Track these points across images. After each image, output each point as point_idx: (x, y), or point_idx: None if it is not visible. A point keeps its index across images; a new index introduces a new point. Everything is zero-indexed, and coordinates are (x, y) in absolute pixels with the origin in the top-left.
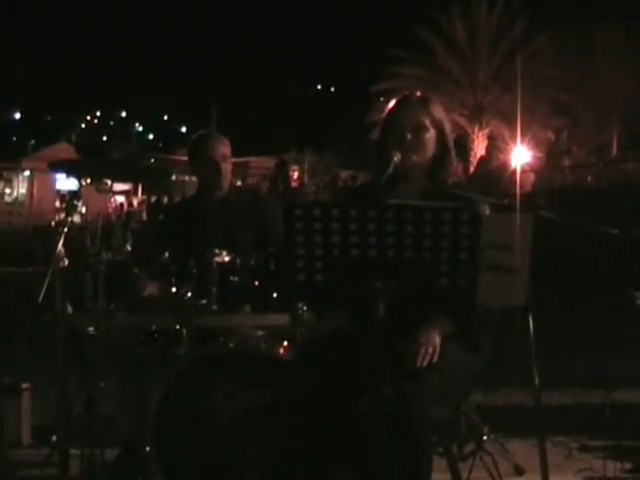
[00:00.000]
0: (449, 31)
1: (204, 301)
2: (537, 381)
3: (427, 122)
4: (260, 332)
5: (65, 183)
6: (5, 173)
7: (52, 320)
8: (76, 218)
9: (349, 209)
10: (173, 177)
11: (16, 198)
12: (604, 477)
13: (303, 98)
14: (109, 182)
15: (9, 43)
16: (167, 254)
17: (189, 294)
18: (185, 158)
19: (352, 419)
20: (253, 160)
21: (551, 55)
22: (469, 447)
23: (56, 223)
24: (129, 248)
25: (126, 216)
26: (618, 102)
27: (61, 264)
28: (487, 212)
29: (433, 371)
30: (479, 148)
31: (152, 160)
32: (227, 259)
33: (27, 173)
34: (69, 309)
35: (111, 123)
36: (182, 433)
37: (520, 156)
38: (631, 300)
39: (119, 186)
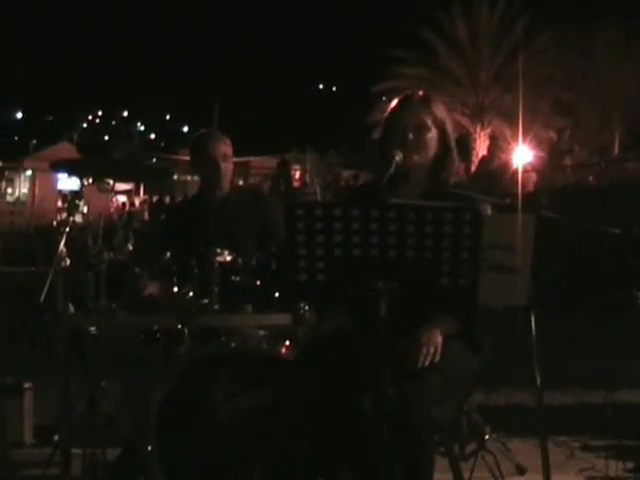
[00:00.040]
0: (450, 31)
1: (206, 301)
2: (539, 381)
3: (429, 122)
4: (262, 332)
5: (67, 183)
6: (7, 173)
7: (54, 320)
8: (78, 218)
9: (351, 209)
10: (175, 177)
11: (18, 198)
12: (606, 477)
13: (305, 98)
14: (111, 182)
15: (10, 43)
16: (169, 254)
17: (191, 294)
18: (187, 158)
19: (354, 419)
20: (254, 160)
21: (553, 55)
22: (471, 447)
23: (58, 223)
24: (131, 248)
25: (128, 216)
26: (620, 102)
27: (63, 264)
28: (489, 212)
29: (435, 371)
30: (481, 148)
31: (154, 160)
32: (229, 259)
33: (29, 173)
34: (71, 309)
35: (113, 123)
36: (184, 433)
37: (522, 156)
38: (633, 300)
39: (121, 186)
